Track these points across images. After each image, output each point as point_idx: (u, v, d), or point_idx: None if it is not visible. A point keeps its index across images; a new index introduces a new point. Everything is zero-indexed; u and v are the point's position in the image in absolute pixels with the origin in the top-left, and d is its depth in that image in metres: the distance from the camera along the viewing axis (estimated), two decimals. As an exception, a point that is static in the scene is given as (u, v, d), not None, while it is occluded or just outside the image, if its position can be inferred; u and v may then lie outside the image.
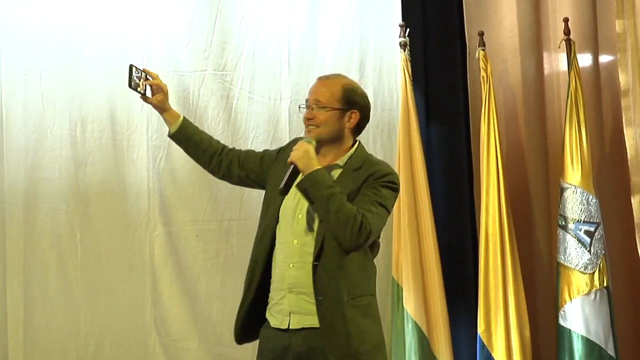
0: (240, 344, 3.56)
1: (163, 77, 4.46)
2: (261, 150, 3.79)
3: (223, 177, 3.77)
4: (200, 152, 3.74)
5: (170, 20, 4.55)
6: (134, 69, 3.65)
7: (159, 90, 3.67)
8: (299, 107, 3.58)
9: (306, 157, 3.32)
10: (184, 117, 3.74)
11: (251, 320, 3.48)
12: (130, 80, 3.63)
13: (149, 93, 3.73)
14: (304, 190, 3.30)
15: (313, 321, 3.33)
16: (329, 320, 3.28)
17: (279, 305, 3.42)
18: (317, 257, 3.29)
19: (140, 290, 4.61)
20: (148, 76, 3.68)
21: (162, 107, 3.73)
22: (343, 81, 3.49)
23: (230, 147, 3.76)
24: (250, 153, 3.73)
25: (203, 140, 3.73)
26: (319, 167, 3.29)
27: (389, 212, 3.35)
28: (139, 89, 3.64)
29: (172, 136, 3.73)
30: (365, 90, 3.63)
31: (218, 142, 3.76)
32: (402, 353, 4.79)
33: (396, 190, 3.42)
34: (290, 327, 3.39)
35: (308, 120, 3.44)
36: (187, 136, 3.72)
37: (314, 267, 3.31)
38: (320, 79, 3.55)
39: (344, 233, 3.25)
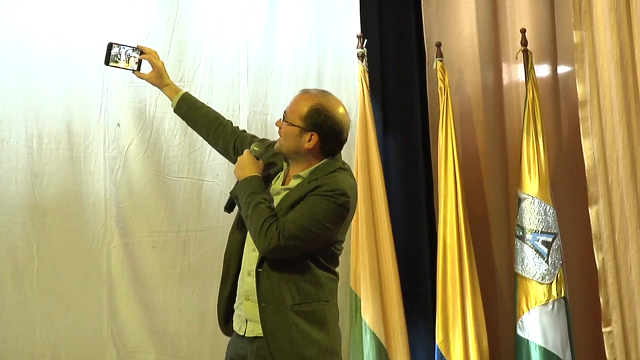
0: (228, 335, 3.59)
1: (119, 89, 4.64)
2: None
3: (221, 153, 3.85)
4: (199, 126, 3.81)
5: (126, 31, 4.56)
6: (113, 46, 3.69)
7: (153, 66, 3.72)
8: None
9: (240, 168, 3.44)
10: (185, 92, 3.80)
11: (232, 311, 3.53)
12: (108, 58, 3.70)
13: (144, 69, 3.77)
14: (235, 197, 3.41)
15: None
16: (272, 326, 3.31)
17: (239, 311, 3.48)
18: (260, 264, 3.32)
19: (97, 301, 4.61)
20: (142, 52, 3.72)
21: (158, 83, 3.80)
22: (315, 101, 3.46)
23: (231, 125, 3.79)
24: (246, 140, 3.74)
25: (202, 115, 3.79)
26: (253, 174, 3.39)
27: (320, 223, 3.31)
28: (123, 65, 3.72)
29: (175, 111, 3.82)
30: (322, 101, 3.71)
31: (217, 118, 3.81)
32: None
33: (340, 205, 3.36)
34: (246, 335, 3.43)
35: (277, 127, 3.51)
36: (185, 111, 3.79)
37: (257, 274, 3.34)
38: (299, 92, 3.57)
39: (254, 237, 3.32)
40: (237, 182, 3.45)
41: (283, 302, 3.33)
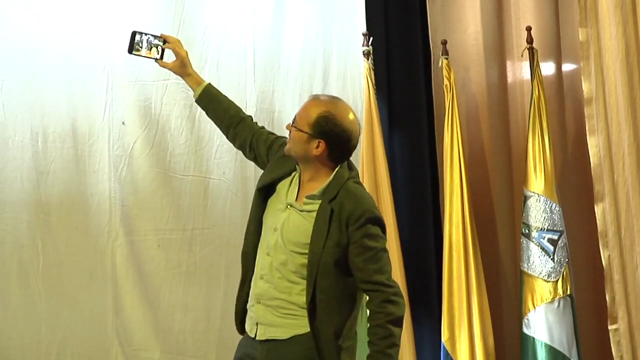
0: (242, 334, 3.59)
1: (124, 87, 4.63)
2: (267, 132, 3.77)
3: (237, 148, 3.81)
4: (219, 122, 3.79)
5: (131, 26, 4.36)
6: (137, 35, 3.68)
7: (176, 55, 3.72)
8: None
9: None
10: (208, 83, 3.79)
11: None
12: (131, 46, 3.68)
13: (167, 58, 3.74)
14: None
15: (277, 333, 3.36)
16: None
17: (250, 312, 3.47)
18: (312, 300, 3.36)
19: (102, 299, 4.61)
20: (165, 41, 3.71)
21: (180, 72, 3.79)
22: (324, 108, 3.45)
23: (249, 120, 3.78)
24: (261, 137, 3.73)
25: (224, 109, 3.78)
26: None
27: (386, 258, 3.38)
28: (145, 53, 3.69)
29: (196, 102, 3.81)
30: (329, 98, 3.72)
31: (238, 113, 3.79)
32: None
33: (383, 225, 3.41)
34: (256, 337, 3.41)
35: (287, 130, 3.53)
36: (206, 103, 3.78)
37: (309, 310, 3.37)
38: (310, 98, 3.57)
39: (400, 320, 3.30)
40: None
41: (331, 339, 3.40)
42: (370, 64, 4.96)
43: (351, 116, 3.46)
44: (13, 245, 4.44)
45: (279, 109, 4.92)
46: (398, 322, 3.35)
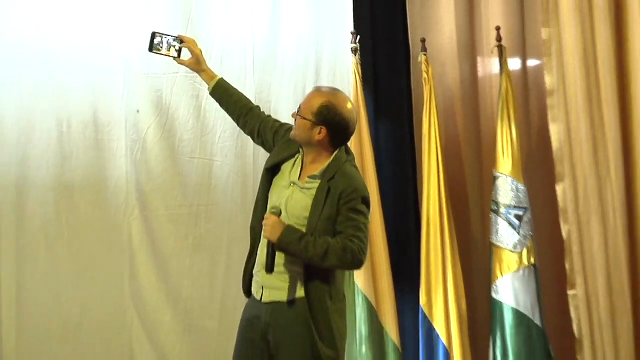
0: (248, 297, 3.68)
1: (138, 80, 4.68)
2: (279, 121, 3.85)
3: (247, 134, 3.88)
4: (230, 112, 3.87)
5: (147, 29, 4.27)
6: (156, 36, 3.78)
7: (192, 53, 3.81)
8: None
9: (272, 229, 3.43)
10: (220, 78, 3.86)
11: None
12: (151, 46, 3.79)
13: (184, 56, 3.82)
14: (284, 250, 3.44)
15: (281, 296, 3.51)
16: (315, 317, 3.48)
17: (257, 278, 3.59)
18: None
19: (120, 268, 4.71)
20: (182, 41, 3.81)
21: (196, 69, 3.87)
22: (326, 99, 3.53)
23: (257, 110, 3.84)
24: (268, 125, 3.79)
25: (234, 101, 3.85)
26: (283, 228, 3.41)
27: (367, 228, 3.49)
28: (165, 52, 3.80)
29: (210, 94, 3.88)
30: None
31: (247, 104, 3.86)
32: (353, 323, 4.82)
33: (368, 204, 3.50)
34: (262, 300, 3.56)
35: (293, 119, 3.60)
36: (219, 96, 3.86)
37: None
38: (313, 89, 3.67)
39: (341, 267, 3.47)
40: (279, 238, 3.43)
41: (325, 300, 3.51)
42: (358, 60, 5.02)
43: (349, 106, 3.57)
44: (41, 220, 4.54)
45: (275, 100, 4.95)
46: (339, 258, 3.39)
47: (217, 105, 3.98)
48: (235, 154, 4.94)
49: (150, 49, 3.80)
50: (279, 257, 3.48)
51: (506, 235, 4.96)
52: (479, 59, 5.39)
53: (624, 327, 4.94)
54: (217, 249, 4.90)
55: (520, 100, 5.27)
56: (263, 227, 3.48)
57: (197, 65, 3.86)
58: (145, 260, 4.79)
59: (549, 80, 4.96)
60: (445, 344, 4.96)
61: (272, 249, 3.44)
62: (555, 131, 4.94)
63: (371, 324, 4.92)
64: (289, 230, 3.42)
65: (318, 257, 3.40)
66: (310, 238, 3.41)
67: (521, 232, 4.96)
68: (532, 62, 5.36)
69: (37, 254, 4.58)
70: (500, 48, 5.12)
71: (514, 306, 4.92)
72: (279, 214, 3.45)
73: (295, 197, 3.53)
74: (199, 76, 3.99)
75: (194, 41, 3.88)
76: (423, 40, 5.14)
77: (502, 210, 4.97)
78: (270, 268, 3.44)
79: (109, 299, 4.72)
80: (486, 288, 5.06)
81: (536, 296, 4.96)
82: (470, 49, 5.39)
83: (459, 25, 5.37)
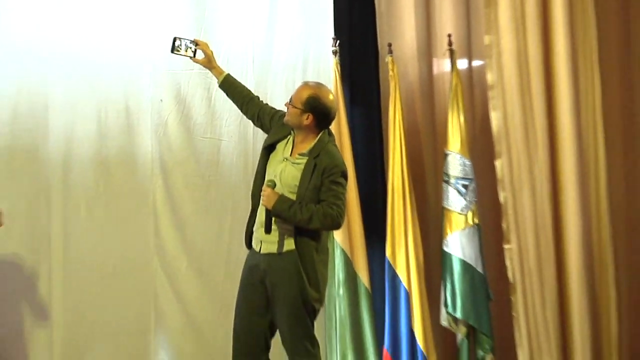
0: (249, 249, 3.94)
1: (162, 75, 4.99)
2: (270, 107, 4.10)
3: (249, 119, 4.10)
4: (235, 101, 4.08)
5: (167, 32, 4.62)
6: (177, 40, 4.01)
7: (205, 54, 4.05)
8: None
9: (267, 198, 3.73)
10: (227, 73, 4.08)
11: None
12: (173, 48, 4.03)
13: (199, 56, 4.06)
14: (277, 215, 3.72)
15: (274, 248, 3.81)
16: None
17: (256, 234, 3.88)
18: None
19: (145, 225, 5.06)
20: (197, 44, 4.04)
21: (208, 66, 4.10)
22: (312, 91, 3.79)
23: (257, 99, 4.05)
24: (266, 111, 4.01)
25: (239, 92, 4.06)
26: (277, 197, 3.69)
27: (344, 197, 3.80)
28: (183, 53, 4.01)
29: (219, 87, 4.09)
30: (306, 87, 3.75)
31: (249, 95, 4.06)
32: (332, 271, 5.09)
33: (346, 177, 3.78)
34: (260, 252, 3.85)
35: (285, 107, 3.84)
36: (226, 88, 4.08)
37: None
38: (302, 83, 3.92)
39: (323, 228, 3.75)
40: (273, 206, 3.69)
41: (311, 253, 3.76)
42: (337, 60, 5.25)
43: (331, 97, 3.87)
44: (82, 188, 4.93)
45: (270, 92, 5.16)
46: (321, 222, 3.68)
47: (225, 95, 4.22)
48: (238, 135, 5.21)
49: (172, 50, 4.07)
50: (274, 220, 3.78)
51: (455, 201, 5.27)
52: (434, 60, 5.62)
53: (549, 274, 5.24)
54: (223, 211, 5.17)
55: (467, 93, 5.53)
56: (261, 196, 3.76)
57: (209, 63, 4.14)
58: (166, 220, 5.10)
59: (490, 77, 5.25)
60: (406, 287, 5.20)
61: (268, 214, 3.72)
62: (495, 117, 5.23)
63: (347, 271, 5.17)
64: (281, 199, 3.70)
65: (304, 221, 3.70)
66: (297, 206, 3.67)
67: (467, 198, 5.25)
68: (476, 63, 5.64)
69: (80, 215, 4.92)
70: (451, 51, 5.42)
71: (461, 257, 5.23)
72: (273, 186, 3.73)
73: (287, 170, 3.81)
74: (210, 72, 4.25)
75: (206, 44, 4.14)
76: (389, 45, 5.38)
77: (452, 180, 5.27)
78: (268, 229, 3.73)
79: (138, 250, 5.04)
80: (439, 242, 5.33)
81: (479, 249, 5.26)
82: (427, 52, 5.62)
83: (418, 33, 5.60)
